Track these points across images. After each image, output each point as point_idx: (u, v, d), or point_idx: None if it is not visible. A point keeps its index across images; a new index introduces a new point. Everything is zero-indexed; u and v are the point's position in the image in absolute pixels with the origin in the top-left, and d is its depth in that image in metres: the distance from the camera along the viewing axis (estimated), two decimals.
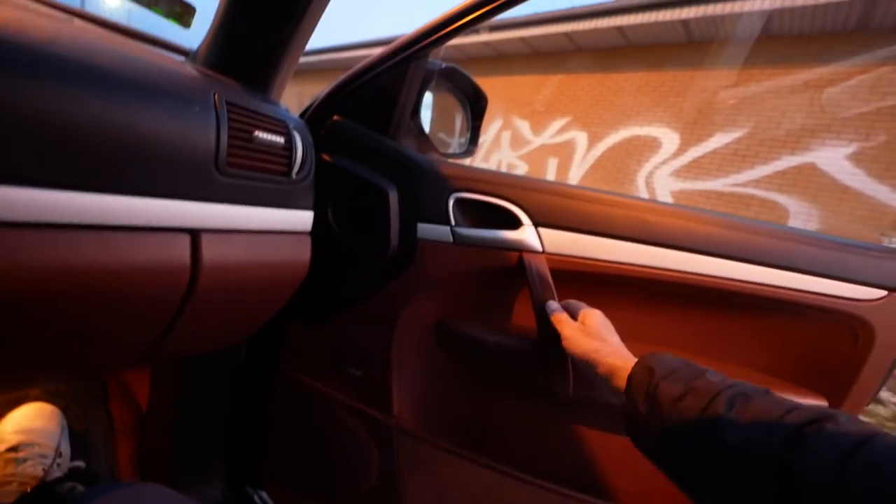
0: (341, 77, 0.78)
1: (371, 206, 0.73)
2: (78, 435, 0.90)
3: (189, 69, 0.54)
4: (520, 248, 0.69)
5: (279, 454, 0.93)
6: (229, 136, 0.52)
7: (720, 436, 0.37)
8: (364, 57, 0.78)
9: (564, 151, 5.98)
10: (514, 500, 0.75)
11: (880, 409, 2.90)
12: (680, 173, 5.06)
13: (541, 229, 0.69)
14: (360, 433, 0.82)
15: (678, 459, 0.41)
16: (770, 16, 4.36)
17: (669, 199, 5.07)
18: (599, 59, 5.76)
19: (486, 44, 6.37)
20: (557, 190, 0.71)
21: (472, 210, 0.73)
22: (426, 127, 0.84)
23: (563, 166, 5.98)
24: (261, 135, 0.56)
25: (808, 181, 4.30)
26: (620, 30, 5.26)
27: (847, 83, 4.15)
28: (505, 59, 6.61)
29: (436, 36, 0.69)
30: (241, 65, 0.61)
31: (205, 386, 0.89)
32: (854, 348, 0.63)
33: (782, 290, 0.63)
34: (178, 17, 0.71)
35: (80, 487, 0.76)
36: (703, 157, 4.91)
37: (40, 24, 0.38)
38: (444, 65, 0.84)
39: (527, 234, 0.69)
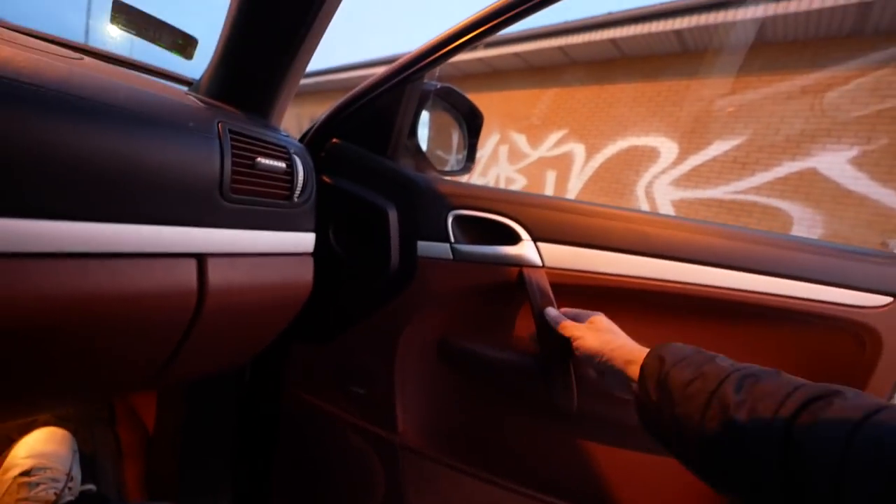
0: (338, 101, 0.80)
1: (371, 226, 0.75)
2: (86, 457, 0.90)
3: (192, 100, 0.56)
4: (519, 264, 0.70)
5: (285, 474, 0.93)
6: (233, 164, 0.54)
7: (728, 414, 0.37)
8: (360, 77, 0.81)
9: (562, 164, 6.00)
10: None
11: None
12: (680, 182, 5.07)
13: (540, 244, 0.70)
14: (366, 451, 0.82)
15: (689, 443, 0.41)
16: (763, 23, 4.41)
17: (670, 208, 5.07)
18: (594, 72, 5.81)
19: (480, 60, 6.45)
20: (555, 204, 0.72)
21: (470, 227, 0.74)
22: (424, 146, 0.86)
23: (562, 178, 6.00)
24: (263, 161, 0.58)
25: (811, 186, 4.28)
26: (614, 42, 5.32)
27: (845, 87, 4.15)
28: (500, 75, 6.69)
29: (430, 59, 0.71)
30: (243, 94, 0.64)
31: (210, 407, 0.90)
32: (862, 357, 0.62)
33: (785, 300, 0.62)
34: (181, 50, 0.73)
35: None
36: (702, 165, 4.92)
37: (54, 65, 0.40)
38: (439, 85, 0.86)
39: (526, 249, 0.70)
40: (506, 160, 6.61)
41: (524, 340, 0.73)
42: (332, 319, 0.82)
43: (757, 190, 4.57)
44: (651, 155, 5.27)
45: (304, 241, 0.70)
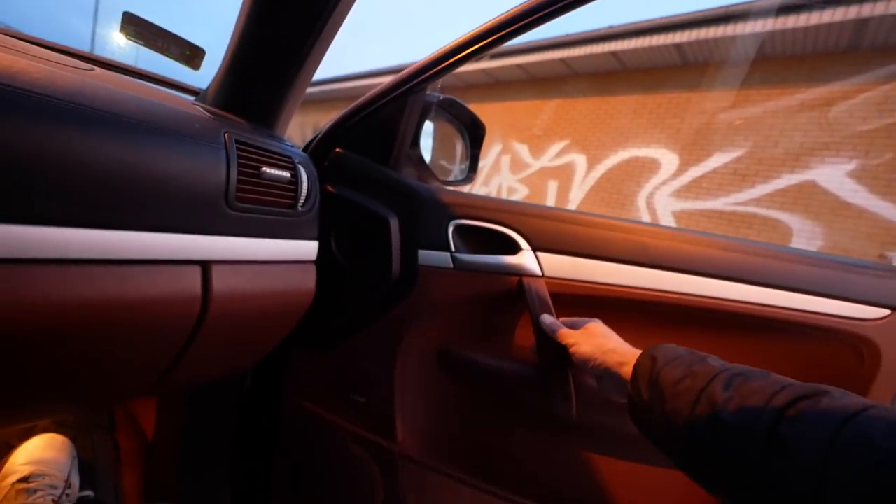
0: (342, 112, 0.81)
1: (373, 235, 0.75)
2: (85, 464, 0.90)
3: (200, 110, 0.57)
4: (519, 273, 0.70)
5: (284, 482, 0.93)
6: (239, 173, 0.55)
7: (715, 410, 0.37)
8: (364, 87, 0.82)
9: (564, 174, 6.03)
10: None
11: None
12: (680, 193, 5.09)
13: (540, 254, 0.71)
14: (365, 460, 0.82)
15: (677, 439, 0.41)
16: (762, 38, 4.46)
17: (671, 219, 5.08)
18: (596, 84, 5.87)
19: (483, 71, 6.51)
20: (555, 215, 0.73)
21: (471, 236, 0.75)
22: (427, 156, 0.87)
23: (564, 188, 6.02)
24: (268, 170, 0.59)
25: (810, 199, 4.29)
26: (615, 54, 5.38)
27: (844, 102, 4.19)
28: (503, 86, 6.75)
29: (432, 71, 0.72)
30: (249, 104, 0.65)
31: (210, 413, 0.90)
32: (860, 369, 0.62)
33: (784, 311, 0.62)
34: (188, 60, 0.75)
35: None
36: (702, 176, 4.94)
37: (67, 76, 0.41)
38: (441, 96, 0.87)
39: (526, 258, 0.71)
40: (508, 170, 6.64)
41: (524, 350, 0.73)
42: (333, 327, 0.82)
43: (757, 201, 4.59)
44: (652, 166, 5.29)
45: (307, 249, 0.70)
